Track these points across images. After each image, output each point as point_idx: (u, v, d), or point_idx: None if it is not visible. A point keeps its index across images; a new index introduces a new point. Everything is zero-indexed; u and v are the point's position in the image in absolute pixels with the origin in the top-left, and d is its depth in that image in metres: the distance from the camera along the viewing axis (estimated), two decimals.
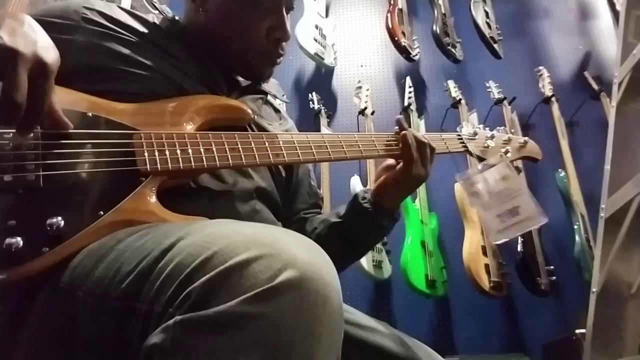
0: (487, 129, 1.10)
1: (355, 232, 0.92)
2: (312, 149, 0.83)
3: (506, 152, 1.06)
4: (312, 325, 0.42)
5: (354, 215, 0.92)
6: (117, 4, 1.03)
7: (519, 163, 1.21)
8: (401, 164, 0.91)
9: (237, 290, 0.42)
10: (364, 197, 0.92)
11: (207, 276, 0.43)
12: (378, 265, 2.18)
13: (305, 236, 0.91)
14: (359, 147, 0.88)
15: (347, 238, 0.92)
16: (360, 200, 0.91)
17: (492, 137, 1.07)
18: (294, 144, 0.81)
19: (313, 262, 0.45)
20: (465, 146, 1.03)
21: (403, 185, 0.92)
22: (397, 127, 0.94)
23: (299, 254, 0.45)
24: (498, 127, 1.12)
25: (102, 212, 0.61)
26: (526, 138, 1.13)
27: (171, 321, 0.42)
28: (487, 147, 1.05)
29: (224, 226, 0.52)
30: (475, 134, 1.06)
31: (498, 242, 1.11)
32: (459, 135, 1.04)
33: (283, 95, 2.53)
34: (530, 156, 1.12)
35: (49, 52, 0.58)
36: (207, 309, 0.41)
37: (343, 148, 0.86)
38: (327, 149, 0.84)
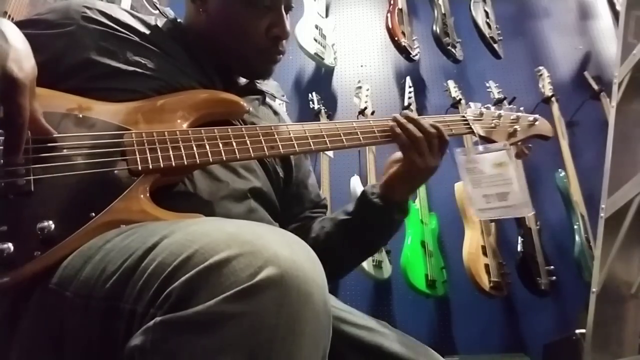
0: (493, 108, 1.06)
1: (365, 227, 0.90)
2: (308, 139, 0.80)
3: (514, 131, 1.02)
4: (293, 323, 0.41)
5: (364, 211, 0.90)
6: (117, 4, 1.04)
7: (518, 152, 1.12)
8: (401, 151, 0.88)
9: (217, 289, 0.41)
10: (372, 192, 0.90)
11: (187, 275, 0.42)
12: (378, 265, 2.18)
13: (308, 233, 0.91)
14: (358, 134, 0.86)
15: (356, 235, 0.90)
16: (369, 196, 0.89)
17: (500, 116, 1.03)
18: (289, 134, 0.79)
19: (295, 259, 0.44)
20: (470, 128, 0.99)
21: (410, 174, 0.88)
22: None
23: (281, 250, 0.44)
24: (506, 106, 1.07)
25: (93, 214, 0.61)
26: (536, 115, 1.07)
27: (151, 322, 0.42)
28: (494, 127, 1.02)
29: (207, 224, 0.51)
30: (481, 114, 1.02)
31: (476, 218, 1.09)
32: (464, 116, 1.01)
33: (283, 96, 2.53)
34: (540, 134, 1.07)
35: (22, 64, 0.57)
36: (188, 309, 0.41)
37: (341, 137, 0.84)
38: (325, 138, 0.82)
